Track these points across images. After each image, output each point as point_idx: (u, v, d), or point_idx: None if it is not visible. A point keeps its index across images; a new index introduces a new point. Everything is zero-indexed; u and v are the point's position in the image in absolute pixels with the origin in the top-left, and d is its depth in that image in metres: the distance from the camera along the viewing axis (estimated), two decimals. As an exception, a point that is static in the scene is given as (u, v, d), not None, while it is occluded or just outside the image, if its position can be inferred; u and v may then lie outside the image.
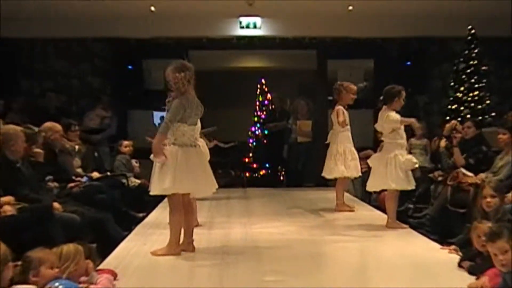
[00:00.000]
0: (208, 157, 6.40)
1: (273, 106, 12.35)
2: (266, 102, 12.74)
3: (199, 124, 5.92)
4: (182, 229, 5.28)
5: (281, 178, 11.75)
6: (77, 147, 7.78)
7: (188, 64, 5.24)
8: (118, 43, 11.26)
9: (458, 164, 7.29)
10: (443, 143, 7.90)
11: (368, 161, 6.88)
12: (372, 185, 6.82)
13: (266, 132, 12.04)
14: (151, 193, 5.21)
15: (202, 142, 6.44)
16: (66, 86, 11.30)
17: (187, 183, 5.09)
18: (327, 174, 7.89)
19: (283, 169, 11.67)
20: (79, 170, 7.62)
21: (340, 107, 7.72)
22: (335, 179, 7.89)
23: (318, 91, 11.59)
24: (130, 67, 11.39)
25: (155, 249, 5.27)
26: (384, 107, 6.61)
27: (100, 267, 4.53)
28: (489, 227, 4.27)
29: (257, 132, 12.55)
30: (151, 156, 5.11)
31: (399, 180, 6.46)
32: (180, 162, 5.04)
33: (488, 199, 4.98)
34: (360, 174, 7.79)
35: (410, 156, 6.64)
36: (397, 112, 6.53)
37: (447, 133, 7.86)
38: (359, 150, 7.96)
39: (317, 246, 5.79)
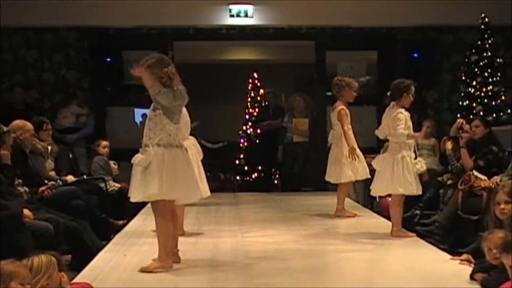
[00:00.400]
0: (201, 156, 6.42)
1: (266, 103, 12.35)
2: (258, 98, 12.73)
3: (188, 119, 5.91)
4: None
5: (276, 181, 11.75)
6: (49, 147, 7.76)
7: (166, 56, 5.29)
8: (95, 33, 11.23)
9: (466, 167, 7.30)
10: (449, 145, 7.90)
11: (373, 162, 6.89)
12: (377, 190, 6.83)
13: (258, 131, 12.05)
14: (132, 200, 5.18)
15: (193, 140, 6.46)
16: (37, 80, 11.26)
17: (176, 188, 5.07)
18: (333, 179, 7.93)
19: (278, 172, 11.67)
20: (52, 173, 7.61)
21: (343, 107, 7.72)
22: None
23: (316, 86, 11.60)
24: (108, 59, 11.35)
25: (143, 266, 5.15)
26: (392, 103, 6.61)
27: (75, 280, 4.53)
28: (502, 238, 4.29)
29: (248, 131, 12.53)
30: (133, 160, 5.09)
31: (407, 184, 6.46)
32: (168, 164, 5.02)
33: (502, 206, 4.89)
34: (369, 176, 7.76)
35: (419, 158, 6.65)
36: (406, 109, 6.55)
37: (454, 134, 7.88)
38: (361, 151, 7.96)
39: (315, 257, 5.79)
